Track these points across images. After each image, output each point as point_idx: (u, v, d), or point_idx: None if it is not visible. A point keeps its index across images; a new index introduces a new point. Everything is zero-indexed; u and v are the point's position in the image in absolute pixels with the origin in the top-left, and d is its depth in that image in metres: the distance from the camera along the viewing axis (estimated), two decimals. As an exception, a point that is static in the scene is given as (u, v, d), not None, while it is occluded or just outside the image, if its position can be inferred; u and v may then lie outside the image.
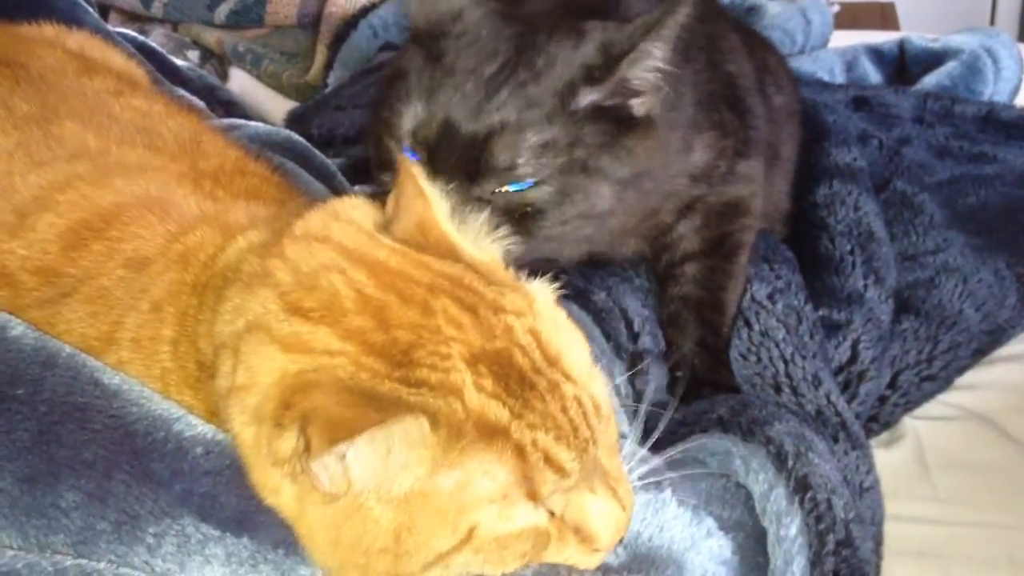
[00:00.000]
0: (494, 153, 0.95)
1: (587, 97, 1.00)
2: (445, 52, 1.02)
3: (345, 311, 0.72)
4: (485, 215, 0.85)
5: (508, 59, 1.00)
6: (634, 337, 1.22)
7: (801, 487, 0.91)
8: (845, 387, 1.21)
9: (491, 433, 0.70)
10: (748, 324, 1.26)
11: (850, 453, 1.08)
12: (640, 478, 0.85)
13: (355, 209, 0.81)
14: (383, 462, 0.67)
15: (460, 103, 0.98)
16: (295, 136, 1.44)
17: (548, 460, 0.71)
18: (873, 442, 1.19)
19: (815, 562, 0.89)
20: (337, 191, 1.32)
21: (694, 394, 1.17)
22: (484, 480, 0.68)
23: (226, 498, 0.75)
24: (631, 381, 1.17)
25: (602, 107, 1.00)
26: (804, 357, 1.20)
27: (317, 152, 1.43)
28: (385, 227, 0.78)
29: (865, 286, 1.29)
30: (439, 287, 0.74)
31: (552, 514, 0.72)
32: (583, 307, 1.13)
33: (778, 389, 1.19)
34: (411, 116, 0.99)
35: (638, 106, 1.02)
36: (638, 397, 1.15)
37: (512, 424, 0.70)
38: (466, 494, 0.68)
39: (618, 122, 1.01)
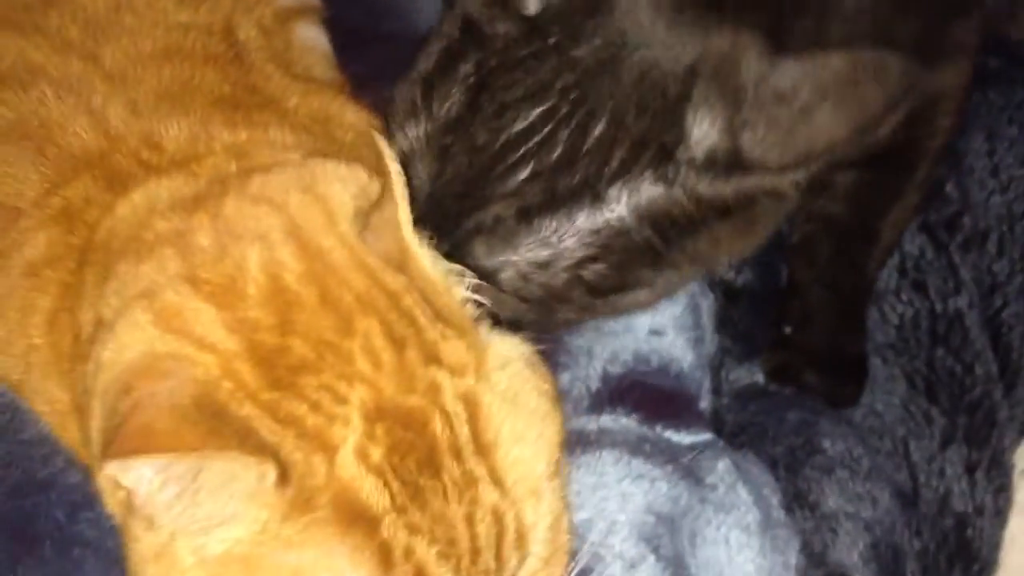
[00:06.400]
0: (473, 252, 0.74)
1: (649, 195, 0.73)
2: (508, 51, 0.75)
3: (245, 296, 0.63)
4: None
5: (560, 104, 0.72)
6: (739, 264, 1.01)
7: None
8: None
9: (353, 519, 0.59)
10: (902, 269, 1.01)
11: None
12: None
13: (339, 182, 0.69)
14: (196, 501, 0.58)
15: (464, 164, 0.74)
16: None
17: (419, 582, 0.60)
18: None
19: None
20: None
21: (793, 371, 0.98)
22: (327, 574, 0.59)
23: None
24: (719, 326, 0.99)
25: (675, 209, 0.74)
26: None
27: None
28: (366, 213, 0.67)
29: None
30: (373, 304, 0.63)
31: None
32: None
33: (931, 395, 0.96)
34: (404, 135, 0.77)
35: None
36: (727, 347, 1.01)
37: (387, 517, 0.59)
38: (299, 584, 0.60)
39: (696, 220, 0.75)
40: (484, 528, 0.60)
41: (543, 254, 0.72)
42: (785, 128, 0.67)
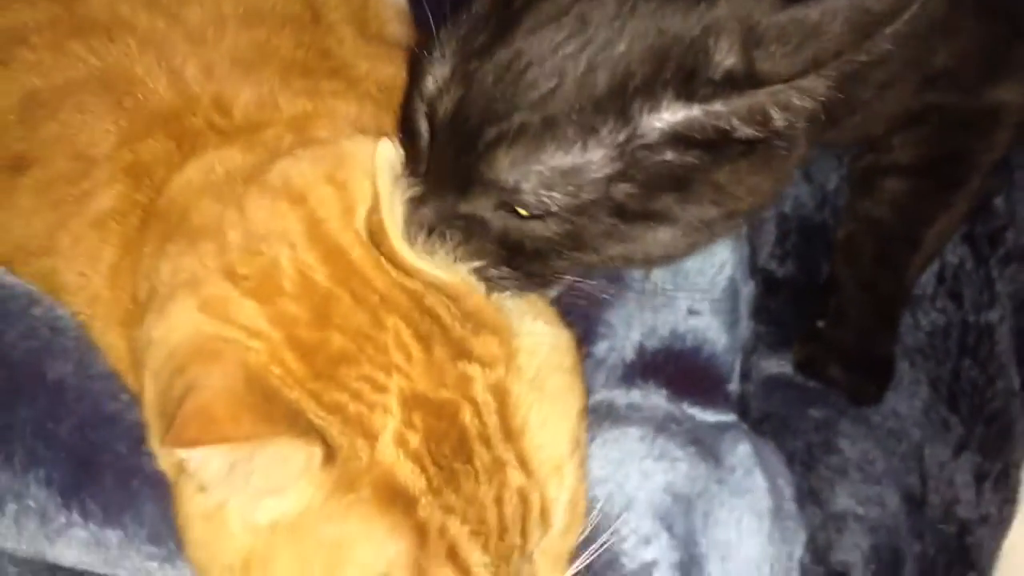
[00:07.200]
0: (494, 165, 0.73)
1: (671, 116, 0.72)
2: None
3: (281, 291, 0.66)
4: (459, 237, 0.72)
5: (579, 28, 0.74)
6: (782, 256, 1.04)
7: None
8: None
9: (392, 499, 0.63)
10: (941, 277, 1.03)
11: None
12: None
13: (362, 167, 0.71)
14: (250, 477, 0.63)
15: (488, 81, 0.74)
16: None
17: (453, 557, 0.64)
18: None
19: None
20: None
21: (820, 365, 1.01)
22: (366, 548, 0.63)
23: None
24: (756, 313, 1.02)
25: (698, 131, 0.73)
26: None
27: None
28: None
29: None
30: (395, 303, 0.67)
31: None
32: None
33: (952, 403, 0.98)
34: (433, 78, 0.77)
35: (766, 128, 0.74)
36: (760, 334, 1.04)
37: (423, 499, 0.64)
38: (340, 554, 0.63)
39: (712, 146, 0.74)
40: (511, 508, 0.66)
41: (568, 161, 0.73)
42: (795, 43, 0.69)
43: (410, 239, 0.71)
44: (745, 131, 0.73)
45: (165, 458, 0.71)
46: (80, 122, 0.80)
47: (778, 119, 0.73)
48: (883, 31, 0.68)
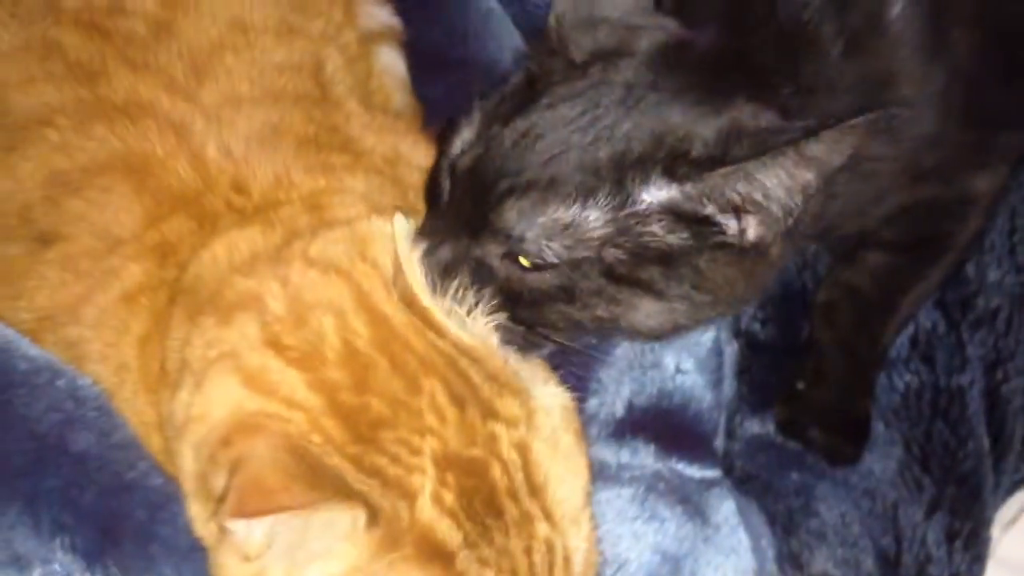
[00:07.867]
0: (503, 215, 0.83)
1: (658, 192, 0.83)
2: (552, 76, 0.87)
3: (325, 360, 0.71)
4: (462, 281, 0.80)
5: (591, 107, 0.84)
6: (764, 319, 1.10)
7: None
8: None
9: (432, 555, 0.68)
10: (915, 341, 1.08)
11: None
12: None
13: (383, 245, 0.78)
14: (298, 543, 0.66)
15: (505, 143, 0.85)
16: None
17: (490, 606, 0.70)
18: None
19: None
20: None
21: (799, 427, 1.06)
22: (408, 605, 0.69)
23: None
24: (739, 373, 1.08)
25: (681, 211, 0.83)
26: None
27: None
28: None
29: None
30: (433, 366, 0.72)
31: None
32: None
33: (924, 464, 1.03)
34: (459, 141, 0.88)
35: (741, 229, 0.85)
36: (743, 395, 1.09)
37: (461, 553, 0.68)
38: (384, 611, 0.68)
39: (700, 234, 0.84)
40: (540, 557, 0.71)
41: (567, 216, 0.82)
42: (764, 137, 0.80)
43: (427, 282, 0.77)
44: (717, 216, 0.82)
45: (206, 525, 0.74)
46: (105, 201, 0.85)
47: (747, 206, 0.82)
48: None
